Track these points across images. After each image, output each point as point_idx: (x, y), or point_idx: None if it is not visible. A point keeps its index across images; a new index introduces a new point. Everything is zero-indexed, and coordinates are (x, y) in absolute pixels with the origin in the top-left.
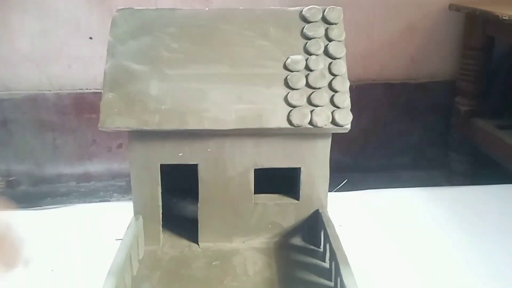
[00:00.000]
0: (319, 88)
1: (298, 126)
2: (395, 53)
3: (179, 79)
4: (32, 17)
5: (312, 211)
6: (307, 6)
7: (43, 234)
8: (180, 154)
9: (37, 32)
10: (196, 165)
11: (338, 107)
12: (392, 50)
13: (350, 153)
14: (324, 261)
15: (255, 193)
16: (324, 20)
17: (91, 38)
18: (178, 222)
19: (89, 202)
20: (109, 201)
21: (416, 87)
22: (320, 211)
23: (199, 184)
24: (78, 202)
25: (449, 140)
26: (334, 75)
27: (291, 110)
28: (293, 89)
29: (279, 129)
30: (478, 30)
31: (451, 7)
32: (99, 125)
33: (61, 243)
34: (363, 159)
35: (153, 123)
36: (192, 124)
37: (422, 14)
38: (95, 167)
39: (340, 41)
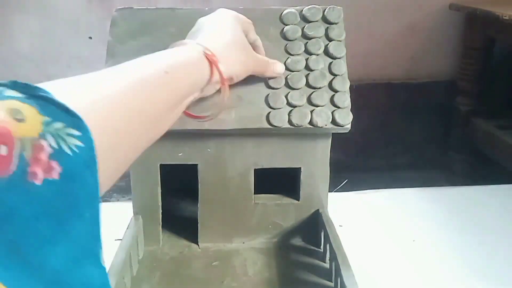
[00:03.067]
0: (319, 88)
1: (298, 126)
2: (395, 53)
3: None
4: (32, 17)
5: (312, 211)
6: (307, 6)
7: None
8: (180, 154)
9: (37, 32)
10: (196, 165)
11: (338, 107)
12: (392, 50)
13: (350, 153)
14: (325, 262)
15: (255, 193)
16: (324, 19)
17: (90, 38)
18: (178, 222)
19: None
20: (109, 201)
21: (416, 87)
22: (320, 211)
23: (199, 184)
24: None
25: (449, 140)
26: (334, 75)
27: (291, 110)
28: (293, 89)
29: (280, 129)
30: (478, 30)
31: (451, 7)
32: None
33: None
34: (363, 159)
35: None
36: (192, 124)
37: (422, 14)
38: None
39: (340, 41)
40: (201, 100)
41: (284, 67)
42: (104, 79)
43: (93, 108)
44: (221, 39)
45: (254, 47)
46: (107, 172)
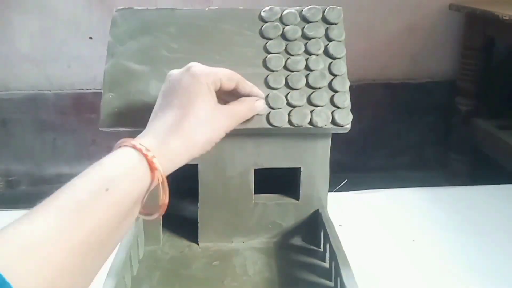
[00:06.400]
0: (319, 88)
1: (298, 126)
2: (395, 53)
3: None
4: (32, 17)
5: (312, 211)
6: (307, 6)
7: None
8: None
9: (37, 32)
10: (196, 165)
11: (338, 107)
12: (392, 50)
13: (350, 153)
14: (324, 261)
15: (255, 193)
16: (324, 20)
17: (91, 38)
18: (178, 222)
19: None
20: None
21: (416, 87)
22: (320, 211)
23: (199, 184)
24: None
25: (449, 140)
26: (334, 75)
27: (291, 110)
28: (293, 89)
29: (280, 129)
30: (478, 30)
31: (451, 7)
32: (99, 125)
33: None
34: (363, 159)
35: None
36: None
37: (422, 14)
38: None
39: (340, 41)
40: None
41: (264, 103)
42: (31, 223)
43: (18, 262)
44: (183, 124)
45: (234, 91)
46: None
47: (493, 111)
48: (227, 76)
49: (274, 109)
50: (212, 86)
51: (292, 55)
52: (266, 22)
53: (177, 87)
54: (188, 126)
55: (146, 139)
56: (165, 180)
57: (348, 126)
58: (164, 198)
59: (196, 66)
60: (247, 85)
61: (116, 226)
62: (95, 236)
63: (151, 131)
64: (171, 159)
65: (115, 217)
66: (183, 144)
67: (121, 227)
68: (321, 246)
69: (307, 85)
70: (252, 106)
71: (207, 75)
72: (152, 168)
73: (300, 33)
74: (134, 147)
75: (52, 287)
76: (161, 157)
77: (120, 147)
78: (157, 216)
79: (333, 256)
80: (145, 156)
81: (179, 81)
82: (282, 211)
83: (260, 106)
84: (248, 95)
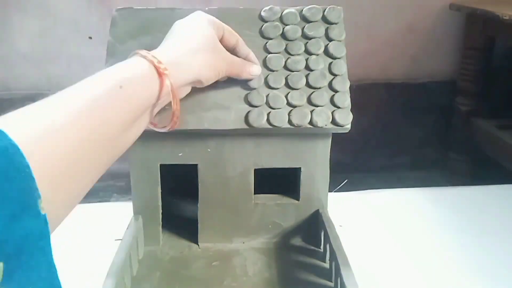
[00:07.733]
0: (319, 88)
1: (298, 126)
2: (395, 53)
3: None
4: (32, 17)
5: (312, 211)
6: (308, 5)
7: None
8: (180, 154)
9: (37, 32)
10: (196, 165)
11: (338, 107)
12: (392, 50)
13: (350, 153)
14: (324, 262)
15: (255, 193)
16: (325, 20)
17: (90, 38)
18: (178, 222)
19: (89, 202)
20: (109, 201)
21: (416, 87)
22: (320, 211)
23: (199, 184)
24: (78, 202)
25: (449, 140)
26: (334, 75)
27: (291, 110)
28: (293, 89)
29: (280, 129)
30: (479, 30)
31: (451, 7)
32: None
33: (60, 243)
34: (363, 159)
35: None
36: (192, 124)
37: (422, 14)
38: None
39: (340, 41)
40: (164, 109)
41: (260, 69)
42: (51, 109)
43: (37, 142)
44: (187, 44)
45: (234, 50)
46: (63, 202)
47: (493, 111)
48: (229, 30)
49: (274, 109)
50: (217, 32)
51: (292, 55)
52: (266, 21)
53: (189, 21)
54: (196, 47)
55: (159, 52)
56: (176, 91)
57: (348, 126)
58: (175, 107)
59: (203, 13)
60: (245, 48)
61: (124, 127)
62: (106, 128)
63: (164, 48)
64: (181, 73)
65: (125, 115)
66: (191, 62)
67: (128, 131)
68: (321, 246)
69: (307, 85)
70: (247, 67)
71: (213, 21)
72: (161, 78)
73: (300, 33)
74: (145, 57)
75: (62, 172)
76: (172, 70)
77: (132, 56)
78: (170, 128)
79: (333, 256)
80: (156, 66)
81: (191, 18)
82: (282, 211)
83: (255, 70)
84: (245, 58)
